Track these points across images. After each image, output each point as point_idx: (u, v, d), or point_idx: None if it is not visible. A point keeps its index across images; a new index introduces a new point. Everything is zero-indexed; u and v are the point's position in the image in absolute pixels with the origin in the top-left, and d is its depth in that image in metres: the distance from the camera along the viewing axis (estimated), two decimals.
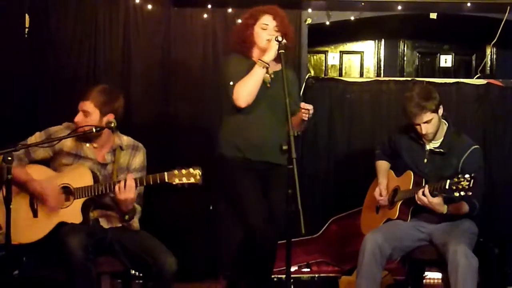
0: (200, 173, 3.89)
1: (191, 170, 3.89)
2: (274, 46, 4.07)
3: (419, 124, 4.34)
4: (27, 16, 5.50)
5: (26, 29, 5.50)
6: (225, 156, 4.24)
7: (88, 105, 4.07)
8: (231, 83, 4.16)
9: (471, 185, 3.98)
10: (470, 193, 4.01)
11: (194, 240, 5.57)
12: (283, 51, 3.96)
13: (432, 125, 4.35)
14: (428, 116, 4.32)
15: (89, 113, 4.06)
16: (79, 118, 4.08)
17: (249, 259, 4.24)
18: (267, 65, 4.12)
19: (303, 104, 4.09)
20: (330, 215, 5.68)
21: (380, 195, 4.60)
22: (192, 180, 3.89)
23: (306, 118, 4.08)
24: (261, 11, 4.30)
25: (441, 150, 4.42)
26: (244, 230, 4.16)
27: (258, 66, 4.13)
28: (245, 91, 4.13)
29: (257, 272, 4.25)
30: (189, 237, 5.54)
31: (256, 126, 4.19)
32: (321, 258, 5.62)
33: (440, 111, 4.37)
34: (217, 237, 5.53)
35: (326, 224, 5.66)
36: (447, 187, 4.07)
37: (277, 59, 4.08)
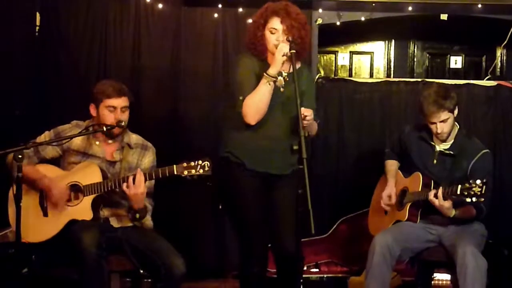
0: (209, 164, 3.84)
1: (199, 161, 3.84)
2: (279, 58, 3.73)
3: (435, 123, 4.30)
4: (38, 14, 5.51)
5: (37, 28, 5.52)
6: (227, 160, 3.96)
7: (126, 101, 4.11)
8: (241, 97, 3.83)
9: (483, 192, 3.95)
10: (482, 199, 3.99)
11: (203, 239, 5.58)
12: (294, 51, 3.68)
13: (447, 124, 4.32)
14: (445, 115, 4.28)
15: (127, 108, 4.12)
16: (125, 116, 4.10)
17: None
18: (274, 79, 3.74)
19: (302, 110, 3.61)
20: (339, 215, 5.68)
21: (389, 199, 4.56)
22: (201, 171, 3.83)
23: (304, 125, 3.64)
24: (270, 11, 3.91)
25: (451, 152, 4.40)
26: (243, 253, 3.99)
27: (264, 82, 3.76)
28: (253, 108, 3.79)
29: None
30: (197, 236, 5.55)
31: (264, 136, 3.89)
32: (330, 258, 5.62)
33: (456, 112, 4.35)
34: (225, 236, 5.53)
35: (335, 224, 5.66)
36: (458, 192, 4.05)
37: (290, 59, 3.73)
